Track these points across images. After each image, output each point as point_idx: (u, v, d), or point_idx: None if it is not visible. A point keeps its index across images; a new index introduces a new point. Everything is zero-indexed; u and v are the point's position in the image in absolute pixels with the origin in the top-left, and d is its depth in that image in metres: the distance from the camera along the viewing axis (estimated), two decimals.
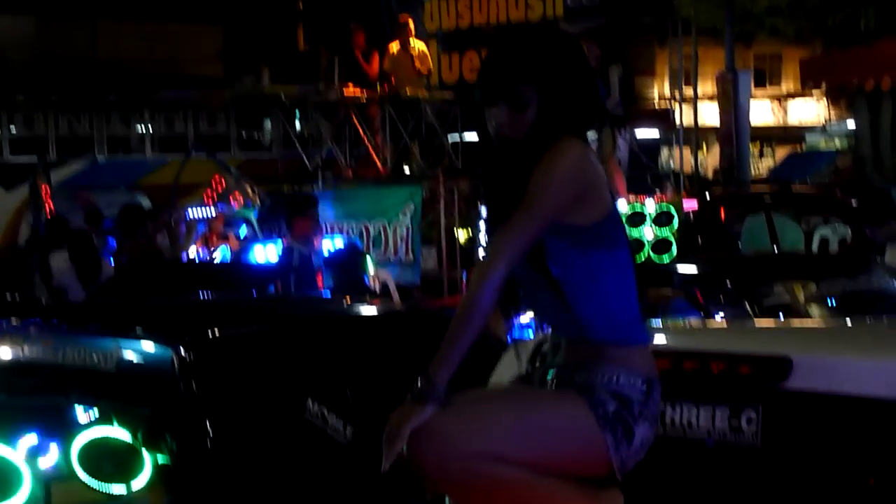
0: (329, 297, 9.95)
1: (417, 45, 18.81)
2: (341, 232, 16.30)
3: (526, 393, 3.60)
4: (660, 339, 4.46)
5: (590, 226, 3.48)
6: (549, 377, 3.59)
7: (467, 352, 3.35)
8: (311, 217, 11.20)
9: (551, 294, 3.50)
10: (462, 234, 17.08)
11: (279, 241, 13.72)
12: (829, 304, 7.89)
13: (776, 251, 11.24)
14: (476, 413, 3.40)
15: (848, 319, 6.75)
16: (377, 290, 12.18)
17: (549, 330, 3.65)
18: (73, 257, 11.52)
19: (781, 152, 42.83)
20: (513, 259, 3.40)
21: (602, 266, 3.50)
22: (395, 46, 18.62)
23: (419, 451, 3.32)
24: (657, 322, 5.55)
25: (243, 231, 18.68)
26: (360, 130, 18.92)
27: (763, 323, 6.55)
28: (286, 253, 10.80)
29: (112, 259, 13.75)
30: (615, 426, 3.45)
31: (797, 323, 6.60)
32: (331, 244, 15.52)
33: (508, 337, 5.13)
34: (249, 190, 19.30)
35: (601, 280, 3.50)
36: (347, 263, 11.74)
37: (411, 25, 18.91)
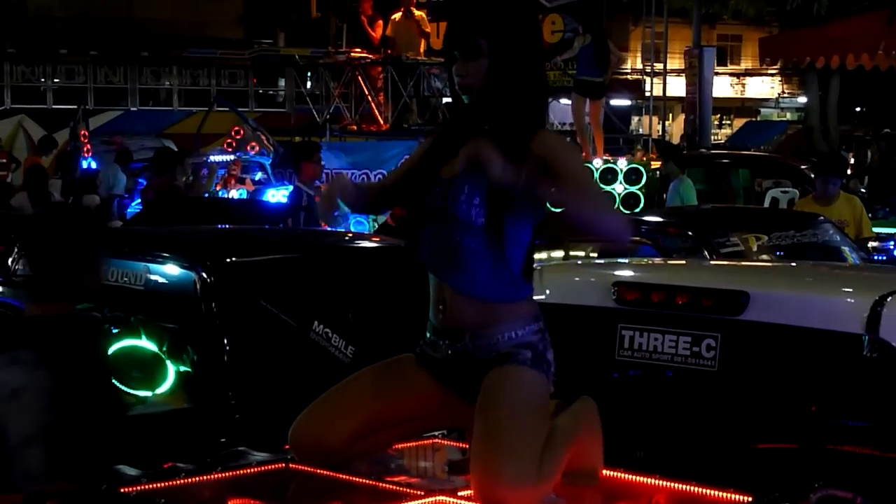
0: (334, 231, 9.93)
1: (418, 13, 18.70)
2: None
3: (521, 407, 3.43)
4: (631, 274, 4.46)
5: (541, 204, 3.48)
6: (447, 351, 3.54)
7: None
8: (316, 161, 11.13)
9: (488, 257, 3.44)
10: None
11: (290, 185, 13.70)
12: (778, 253, 7.88)
13: (734, 206, 11.22)
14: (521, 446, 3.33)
15: (795, 263, 6.75)
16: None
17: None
18: None
19: (738, 122, 42.85)
20: None
21: (529, 239, 3.49)
22: (398, 14, 18.49)
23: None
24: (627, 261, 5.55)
25: (258, 175, 18.67)
26: (365, 89, 18.86)
27: (723, 262, 6.55)
28: (295, 193, 10.76)
29: (140, 195, 13.73)
30: (537, 363, 3.47)
31: (754, 263, 6.60)
32: None
33: None
34: (264, 139, 19.28)
35: (526, 251, 3.49)
36: None
37: None
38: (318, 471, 3.65)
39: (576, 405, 3.70)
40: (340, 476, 3.66)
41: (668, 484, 3.60)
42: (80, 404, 3.69)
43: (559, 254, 8.08)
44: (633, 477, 3.68)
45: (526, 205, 3.42)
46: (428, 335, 3.61)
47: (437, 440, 4.03)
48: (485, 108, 3.49)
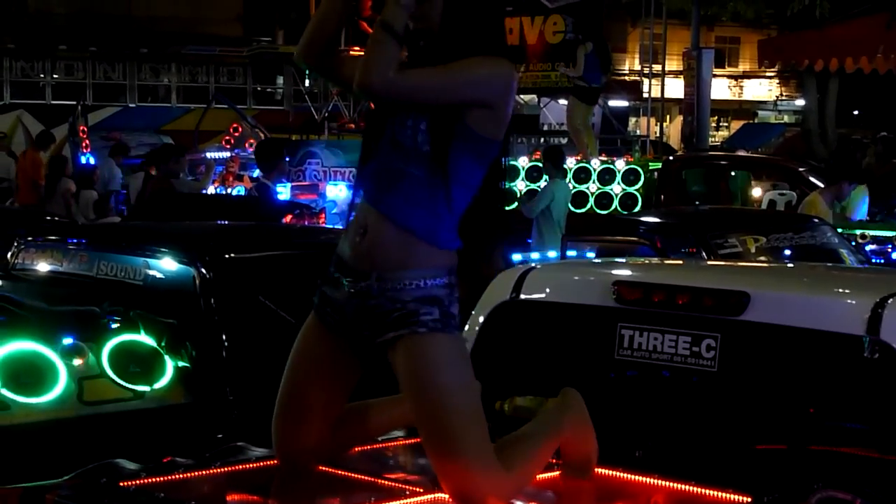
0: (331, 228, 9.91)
1: None
2: (343, 178, 16.25)
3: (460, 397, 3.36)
4: (631, 273, 4.45)
5: (492, 141, 3.43)
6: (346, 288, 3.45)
7: None
8: (280, 157, 11.02)
9: (429, 187, 3.37)
10: None
11: (287, 182, 13.70)
12: (777, 255, 7.88)
13: (732, 208, 11.24)
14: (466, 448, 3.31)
15: (795, 264, 6.75)
16: None
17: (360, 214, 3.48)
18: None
19: (736, 125, 42.90)
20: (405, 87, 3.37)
21: (477, 182, 3.44)
22: None
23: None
24: (626, 260, 5.54)
25: (256, 172, 18.62)
26: None
27: (724, 262, 6.55)
28: (263, 189, 10.67)
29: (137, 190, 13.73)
30: (447, 324, 3.39)
31: (755, 264, 6.60)
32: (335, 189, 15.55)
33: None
34: (262, 137, 19.24)
35: (471, 198, 3.44)
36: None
37: None
38: (318, 467, 3.65)
39: (559, 400, 3.71)
40: (339, 472, 3.67)
41: (667, 484, 3.60)
42: None
43: None
44: (632, 476, 3.69)
45: (471, 135, 3.37)
46: (331, 269, 3.52)
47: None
48: (439, 48, 3.44)
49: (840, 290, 4.08)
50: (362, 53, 3.40)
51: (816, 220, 8.83)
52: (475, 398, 3.40)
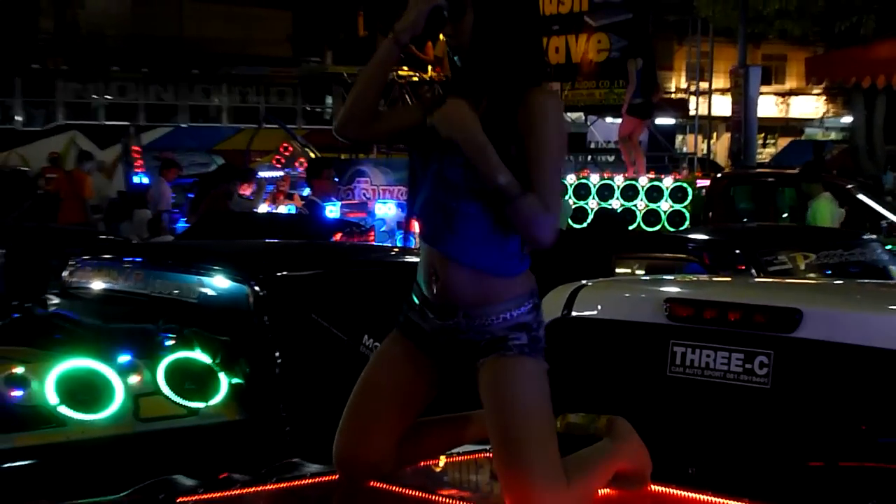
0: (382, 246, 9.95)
1: None
2: (392, 196, 16.29)
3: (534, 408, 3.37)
4: (682, 290, 4.43)
5: None
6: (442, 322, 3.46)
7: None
8: (327, 178, 11.12)
9: (485, 223, 3.35)
10: None
11: (336, 201, 13.76)
12: (827, 272, 7.83)
13: (782, 224, 11.17)
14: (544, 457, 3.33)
15: (846, 281, 6.70)
16: None
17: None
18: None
19: (783, 142, 42.69)
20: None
21: None
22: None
23: None
24: (677, 277, 5.52)
25: (306, 191, 18.72)
26: None
27: (775, 279, 6.52)
28: (315, 207, 10.76)
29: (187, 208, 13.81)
30: (534, 348, 3.40)
31: (806, 280, 6.56)
32: (384, 207, 15.59)
33: None
34: (312, 156, 19.34)
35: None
36: None
37: None
38: (371, 483, 3.66)
39: (607, 432, 3.72)
40: (393, 488, 3.66)
41: (720, 500, 3.57)
42: None
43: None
44: (685, 493, 3.67)
45: (521, 170, 3.33)
46: (415, 299, 3.52)
47: (487, 454, 4.02)
48: (475, 66, 3.44)
49: (892, 307, 4.05)
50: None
51: (866, 237, 8.77)
52: (550, 421, 3.40)
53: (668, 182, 14.90)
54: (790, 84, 43.94)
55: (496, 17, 3.42)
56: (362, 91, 3.52)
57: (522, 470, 3.28)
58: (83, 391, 4.88)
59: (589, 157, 23.44)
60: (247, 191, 14.34)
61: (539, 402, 3.37)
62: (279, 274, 5.66)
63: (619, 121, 17.08)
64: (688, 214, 14.42)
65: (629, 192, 14.95)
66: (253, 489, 3.64)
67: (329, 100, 31.58)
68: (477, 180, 3.32)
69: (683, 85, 36.85)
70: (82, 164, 20.08)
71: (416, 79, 18.90)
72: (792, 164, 27.21)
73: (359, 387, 3.60)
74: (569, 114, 21.23)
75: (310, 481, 3.74)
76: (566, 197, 13.92)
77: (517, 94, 3.36)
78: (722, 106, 27.25)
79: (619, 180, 14.94)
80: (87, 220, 18.08)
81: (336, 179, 12.09)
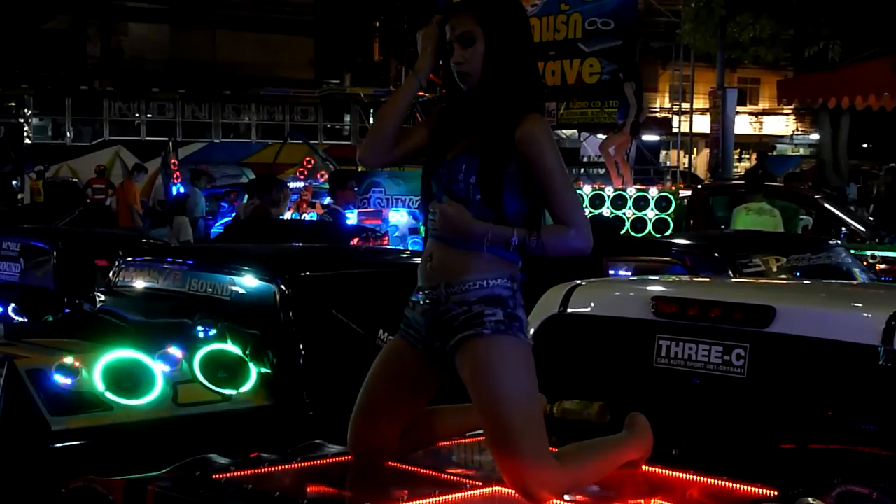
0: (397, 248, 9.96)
1: None
2: (404, 205, 16.28)
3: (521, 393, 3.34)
4: (667, 289, 4.44)
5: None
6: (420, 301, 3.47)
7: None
8: (350, 188, 11.09)
9: (489, 219, 3.37)
10: None
11: (354, 209, 13.75)
12: (796, 273, 7.81)
13: (756, 231, 11.12)
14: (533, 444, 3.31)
15: (815, 281, 6.69)
16: None
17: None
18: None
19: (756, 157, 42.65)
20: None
21: (526, 212, 3.42)
22: None
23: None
24: (663, 278, 5.52)
25: (327, 200, 18.74)
26: None
27: (751, 280, 6.51)
28: (338, 215, 10.73)
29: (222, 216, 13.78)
30: (511, 325, 3.36)
31: (778, 281, 6.55)
32: (397, 214, 15.59)
33: None
34: (332, 169, 19.34)
35: (525, 219, 3.42)
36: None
37: None
38: (387, 463, 3.67)
39: (628, 425, 3.72)
40: (406, 467, 3.67)
41: (701, 479, 3.58)
42: None
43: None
44: (669, 472, 3.67)
45: (517, 178, 3.37)
46: (412, 297, 3.55)
47: None
48: (482, 93, 3.43)
49: (857, 305, 4.05)
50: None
51: (832, 243, 8.76)
52: (534, 401, 3.37)
53: (653, 192, 14.87)
54: (763, 104, 43.92)
55: (506, 46, 3.43)
56: (383, 126, 3.55)
57: (511, 451, 3.28)
58: (127, 379, 4.89)
59: (582, 170, 23.43)
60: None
61: (518, 383, 3.33)
62: (303, 274, 5.66)
63: None
64: (671, 222, 14.39)
65: (618, 202, 14.92)
66: (280, 467, 3.65)
67: (347, 118, 31.57)
68: (478, 193, 3.36)
69: (667, 105, 36.92)
70: (138, 174, 20.29)
71: (426, 97, 18.88)
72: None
73: (367, 380, 3.65)
74: (564, 131, 21.24)
75: (331, 460, 3.76)
76: None
77: (517, 117, 3.37)
78: (702, 124, 27.23)
79: (609, 190, 14.92)
80: (135, 226, 18.15)
81: (356, 189, 12.09)
